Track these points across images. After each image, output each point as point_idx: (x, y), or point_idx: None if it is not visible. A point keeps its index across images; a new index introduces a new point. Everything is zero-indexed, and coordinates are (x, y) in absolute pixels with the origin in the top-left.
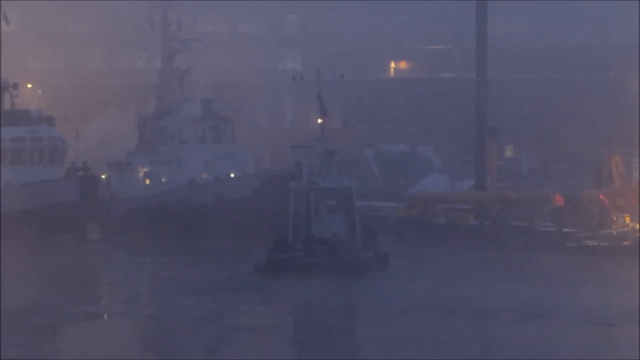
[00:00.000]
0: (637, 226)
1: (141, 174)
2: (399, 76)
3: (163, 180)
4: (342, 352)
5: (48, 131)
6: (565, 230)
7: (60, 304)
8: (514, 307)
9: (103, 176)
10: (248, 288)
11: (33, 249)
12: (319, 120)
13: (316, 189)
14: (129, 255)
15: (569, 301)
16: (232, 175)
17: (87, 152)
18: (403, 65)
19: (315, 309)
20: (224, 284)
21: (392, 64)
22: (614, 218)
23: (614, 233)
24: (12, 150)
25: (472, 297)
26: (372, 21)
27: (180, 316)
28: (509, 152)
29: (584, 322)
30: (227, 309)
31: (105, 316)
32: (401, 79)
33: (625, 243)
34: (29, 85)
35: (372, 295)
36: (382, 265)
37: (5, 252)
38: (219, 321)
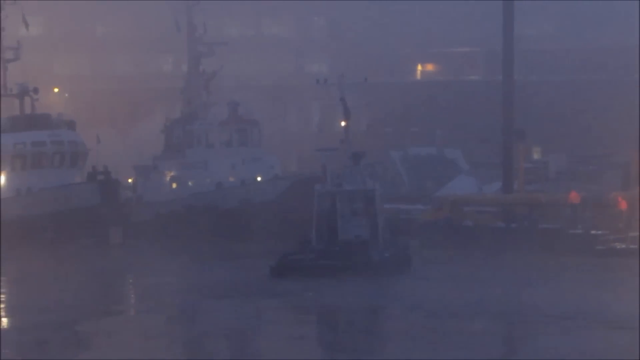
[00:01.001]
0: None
1: (168, 178)
2: (425, 79)
3: (190, 184)
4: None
5: (69, 135)
6: (593, 232)
7: (82, 308)
8: (541, 309)
9: (130, 180)
10: (269, 291)
11: (54, 253)
12: (343, 123)
13: (339, 191)
14: (154, 259)
15: (595, 304)
16: (258, 178)
17: (113, 156)
18: (430, 67)
19: (337, 311)
20: (248, 288)
21: (419, 67)
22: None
23: None
24: (33, 155)
25: (498, 300)
26: (399, 24)
27: (205, 320)
28: (536, 154)
29: (611, 326)
30: (251, 312)
31: (129, 319)
32: (428, 82)
33: None
34: (56, 90)
35: (395, 298)
36: (401, 268)
37: (26, 256)
38: (243, 325)
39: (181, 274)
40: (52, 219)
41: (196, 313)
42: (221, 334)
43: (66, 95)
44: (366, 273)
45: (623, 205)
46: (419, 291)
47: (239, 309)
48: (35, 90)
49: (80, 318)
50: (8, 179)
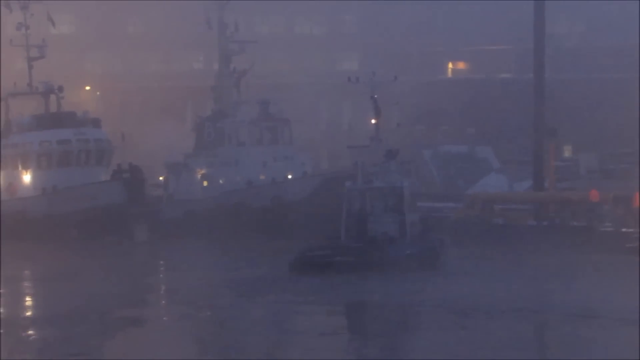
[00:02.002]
0: None
1: (199, 176)
2: (457, 77)
3: (220, 182)
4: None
5: (94, 133)
6: (624, 230)
7: (109, 305)
8: (571, 307)
9: (161, 178)
10: (296, 288)
11: (79, 251)
12: (373, 121)
13: (368, 188)
14: (180, 257)
15: (623, 302)
16: (289, 176)
17: (144, 154)
18: (461, 65)
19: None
20: (274, 284)
21: (450, 65)
22: None
23: None
24: (59, 153)
25: (527, 297)
26: (430, 21)
27: (237, 318)
28: (567, 152)
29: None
30: (282, 309)
31: (158, 318)
32: (459, 80)
33: None
34: (87, 88)
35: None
36: (425, 264)
37: (52, 254)
38: (275, 323)
39: (207, 271)
40: (77, 217)
41: (226, 310)
42: (251, 331)
43: (97, 93)
44: (383, 270)
45: (636, 202)
46: (439, 288)
47: (268, 306)
48: (60, 89)
49: (107, 315)
50: (34, 178)
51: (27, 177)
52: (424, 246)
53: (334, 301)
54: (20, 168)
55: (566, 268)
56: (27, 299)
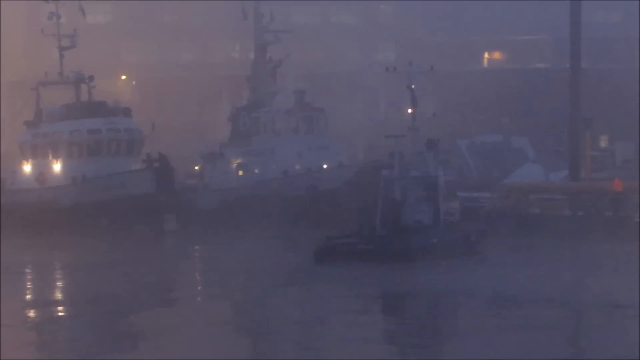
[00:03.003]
0: None
1: (234, 165)
2: (492, 67)
3: (256, 171)
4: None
5: (124, 122)
6: None
7: (139, 296)
8: (606, 298)
9: (196, 167)
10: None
11: (109, 240)
12: (409, 110)
13: (404, 177)
14: (220, 246)
15: None
16: (324, 166)
17: (180, 143)
18: (497, 55)
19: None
20: (314, 275)
21: (486, 55)
22: None
23: None
24: (89, 142)
25: (562, 287)
26: (466, 11)
27: (271, 309)
28: (603, 142)
29: None
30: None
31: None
32: (495, 70)
33: None
34: (123, 77)
35: (459, 283)
36: (455, 254)
37: (81, 244)
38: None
39: (237, 260)
40: (107, 207)
41: (257, 300)
42: (285, 321)
43: (133, 82)
44: (406, 259)
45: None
46: (472, 277)
47: (300, 295)
48: (91, 78)
49: (137, 306)
50: (64, 167)
51: (57, 167)
52: (453, 235)
53: (362, 291)
54: (50, 157)
55: (599, 258)
56: (58, 285)
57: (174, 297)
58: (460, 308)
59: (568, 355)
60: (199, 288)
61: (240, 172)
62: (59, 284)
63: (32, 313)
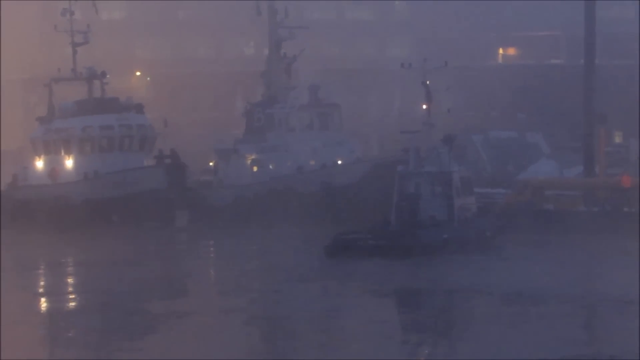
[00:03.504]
0: None
1: (248, 161)
2: (507, 62)
3: (270, 167)
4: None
5: (137, 119)
6: None
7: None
8: (620, 294)
9: (211, 163)
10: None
11: (120, 236)
12: (424, 106)
13: (419, 173)
14: (233, 242)
15: None
16: (339, 162)
17: (194, 140)
18: (511, 51)
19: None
20: (327, 271)
21: (500, 50)
22: None
23: None
24: (101, 138)
25: (576, 283)
26: (480, 7)
27: (286, 304)
28: (617, 138)
29: None
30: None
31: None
32: (509, 66)
33: None
34: (138, 73)
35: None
36: (466, 249)
37: (92, 240)
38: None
39: (247, 257)
40: (118, 203)
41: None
42: (300, 317)
43: (148, 78)
44: (415, 254)
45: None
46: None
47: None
48: (103, 74)
49: (150, 300)
50: (76, 163)
51: (69, 163)
52: (467, 231)
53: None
54: (62, 153)
55: (614, 254)
56: (69, 281)
57: (185, 293)
58: (469, 304)
59: (581, 352)
60: (211, 284)
61: (255, 168)
62: (70, 280)
63: (44, 307)
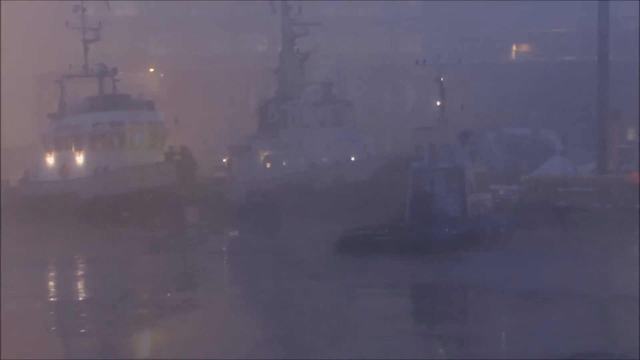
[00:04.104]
0: None
1: (262, 158)
2: (521, 59)
3: (283, 164)
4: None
5: (148, 115)
6: None
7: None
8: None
9: (224, 160)
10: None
11: (130, 232)
12: (438, 103)
13: (431, 169)
14: (246, 239)
15: None
16: (352, 158)
17: (208, 136)
18: (525, 48)
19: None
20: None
21: (514, 47)
22: None
23: None
24: (112, 135)
25: (588, 280)
26: (494, 4)
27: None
28: (631, 135)
29: None
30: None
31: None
32: (523, 62)
33: None
34: (151, 70)
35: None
36: (474, 245)
37: (104, 236)
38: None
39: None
40: (129, 199)
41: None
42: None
43: (161, 75)
44: (425, 250)
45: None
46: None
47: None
48: (114, 71)
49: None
50: (87, 159)
51: (80, 159)
52: (480, 227)
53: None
54: (73, 149)
55: (630, 251)
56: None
57: (195, 285)
58: (482, 300)
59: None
60: (222, 279)
61: (268, 165)
62: (81, 274)
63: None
